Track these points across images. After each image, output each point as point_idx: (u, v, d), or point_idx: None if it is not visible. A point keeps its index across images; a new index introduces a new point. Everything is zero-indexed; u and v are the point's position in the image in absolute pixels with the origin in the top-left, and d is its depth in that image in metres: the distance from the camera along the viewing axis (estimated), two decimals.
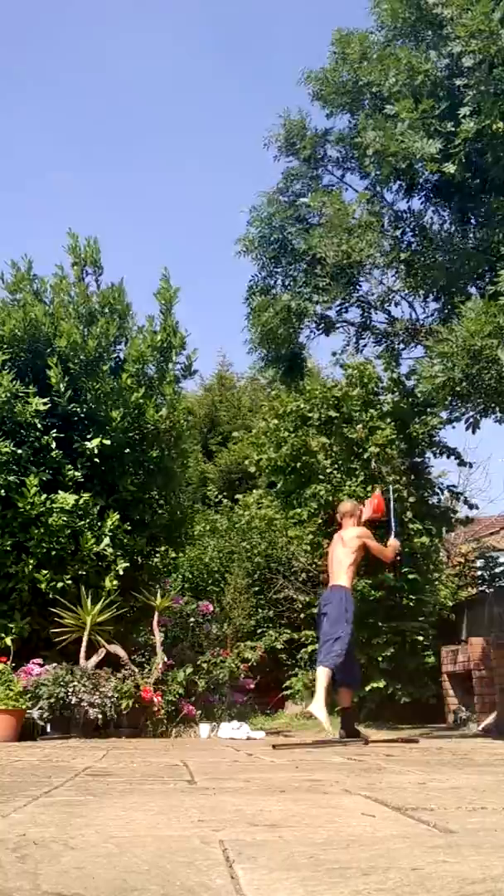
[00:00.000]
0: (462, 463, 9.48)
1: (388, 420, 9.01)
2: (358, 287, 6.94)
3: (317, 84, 6.61)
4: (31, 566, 6.63)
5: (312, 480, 9.31)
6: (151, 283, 11.43)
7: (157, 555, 8.39)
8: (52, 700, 5.83)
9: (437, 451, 9.22)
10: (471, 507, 9.59)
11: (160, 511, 7.86)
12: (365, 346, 7.50)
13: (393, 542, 6.27)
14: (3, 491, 6.60)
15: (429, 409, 8.03)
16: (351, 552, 5.93)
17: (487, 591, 9.38)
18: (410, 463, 9.16)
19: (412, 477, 9.08)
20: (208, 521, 12.24)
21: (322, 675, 5.53)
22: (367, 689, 8.01)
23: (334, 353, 9.16)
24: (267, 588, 10.95)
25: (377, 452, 8.90)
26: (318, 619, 5.98)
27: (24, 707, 5.67)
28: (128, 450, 7.50)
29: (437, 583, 9.76)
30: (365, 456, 9.06)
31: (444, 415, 7.60)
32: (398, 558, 6.93)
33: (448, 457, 9.25)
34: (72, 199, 34.34)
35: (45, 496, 6.66)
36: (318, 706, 5.46)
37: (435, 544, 9.41)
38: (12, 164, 34.58)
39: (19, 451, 6.71)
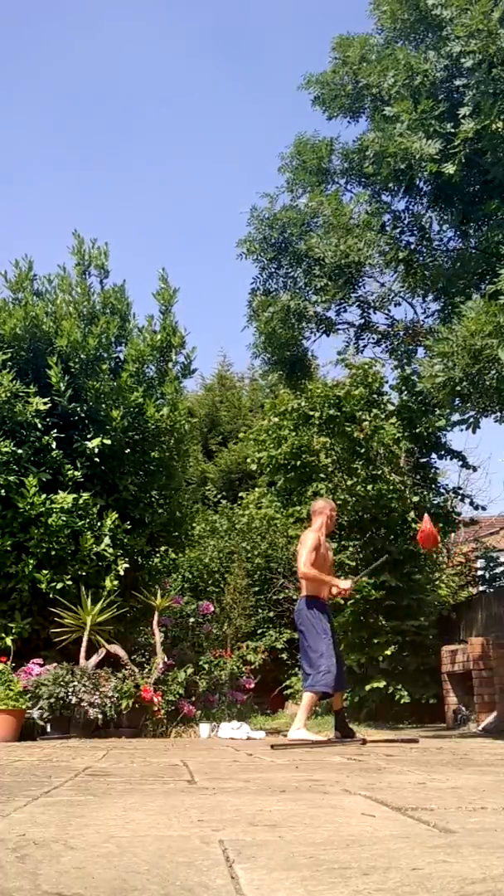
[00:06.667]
0: (466, 465, 9.48)
1: (394, 419, 9.01)
2: (357, 287, 6.94)
3: (317, 88, 6.61)
4: (31, 566, 6.64)
5: (314, 478, 9.31)
6: (151, 283, 11.43)
7: (157, 555, 8.39)
8: (53, 700, 5.84)
9: (442, 454, 9.22)
10: (476, 507, 9.59)
11: (160, 511, 7.86)
12: (365, 346, 7.50)
13: (345, 583, 5.81)
14: (2, 491, 6.60)
15: (436, 410, 8.01)
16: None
17: (487, 591, 9.38)
18: (416, 462, 9.16)
19: (417, 476, 9.08)
20: (208, 521, 12.24)
21: (308, 700, 5.47)
22: (367, 688, 8.01)
23: (339, 353, 9.14)
24: (267, 588, 10.96)
25: (382, 452, 8.89)
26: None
27: (24, 707, 5.67)
28: (128, 450, 7.50)
29: (437, 582, 9.77)
30: (369, 455, 9.06)
31: (448, 416, 7.59)
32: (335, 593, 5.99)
33: (451, 458, 9.26)
34: (71, 198, 34.37)
35: (44, 496, 6.66)
36: (296, 730, 5.39)
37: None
38: (11, 163, 34.61)
39: (19, 451, 6.71)
